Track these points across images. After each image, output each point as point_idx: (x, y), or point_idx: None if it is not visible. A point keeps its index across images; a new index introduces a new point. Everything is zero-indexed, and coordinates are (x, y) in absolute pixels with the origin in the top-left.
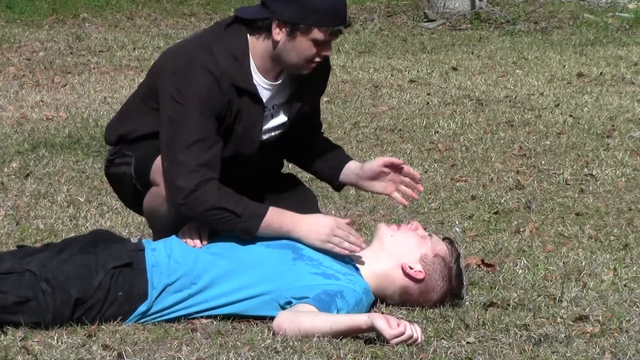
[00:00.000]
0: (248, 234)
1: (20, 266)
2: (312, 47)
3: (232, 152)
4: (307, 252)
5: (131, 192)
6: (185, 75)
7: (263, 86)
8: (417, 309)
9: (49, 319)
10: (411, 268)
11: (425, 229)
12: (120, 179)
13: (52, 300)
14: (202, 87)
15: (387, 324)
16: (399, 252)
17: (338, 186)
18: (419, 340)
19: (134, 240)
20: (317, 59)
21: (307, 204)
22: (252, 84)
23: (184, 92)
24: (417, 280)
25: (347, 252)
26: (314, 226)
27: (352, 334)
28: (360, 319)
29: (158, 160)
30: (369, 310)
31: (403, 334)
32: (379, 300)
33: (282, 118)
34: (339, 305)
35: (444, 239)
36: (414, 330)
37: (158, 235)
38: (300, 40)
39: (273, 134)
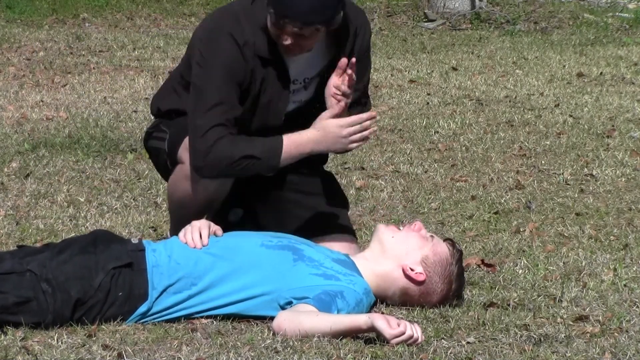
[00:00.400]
0: (274, 171)
1: (21, 266)
2: (275, 29)
3: (259, 125)
4: (307, 253)
5: (166, 167)
6: (211, 42)
7: (289, 58)
8: (417, 309)
9: (49, 319)
10: (412, 270)
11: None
12: (157, 154)
13: (52, 300)
14: (225, 54)
15: (387, 324)
16: (399, 254)
17: None
18: (419, 340)
19: (134, 240)
20: (283, 42)
21: (334, 213)
22: (276, 55)
23: (208, 58)
24: (418, 282)
25: (370, 134)
26: (330, 138)
27: (352, 334)
28: (360, 319)
29: (187, 139)
30: (369, 311)
31: (403, 333)
32: (379, 300)
33: (311, 92)
34: (339, 306)
35: (446, 239)
36: (414, 330)
37: (176, 225)
38: (269, 18)
39: (304, 108)
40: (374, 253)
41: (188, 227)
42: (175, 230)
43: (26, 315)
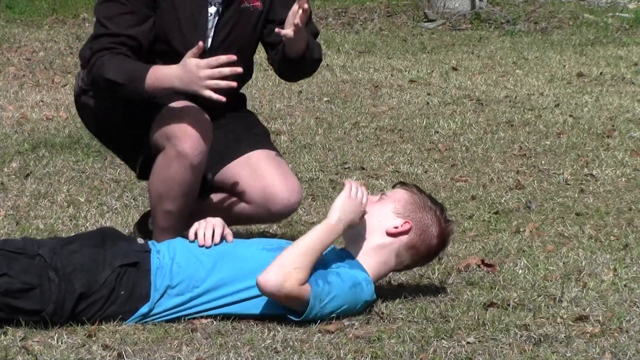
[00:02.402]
0: (143, 98)
1: (32, 248)
2: None
3: (180, 44)
4: (320, 270)
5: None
6: None
7: None
8: (417, 308)
9: (50, 308)
10: (395, 227)
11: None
12: (88, 110)
13: (56, 290)
14: None
15: (349, 196)
16: (374, 226)
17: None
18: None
19: (140, 241)
20: None
21: (256, 138)
22: None
23: None
24: (408, 231)
25: (226, 86)
26: (188, 77)
27: (332, 239)
28: (329, 222)
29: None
30: (368, 308)
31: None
32: (377, 301)
33: (232, 14)
34: (330, 279)
35: (395, 185)
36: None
37: (163, 220)
38: None
39: (233, 39)
40: (357, 243)
41: (202, 223)
42: (161, 229)
43: (28, 302)
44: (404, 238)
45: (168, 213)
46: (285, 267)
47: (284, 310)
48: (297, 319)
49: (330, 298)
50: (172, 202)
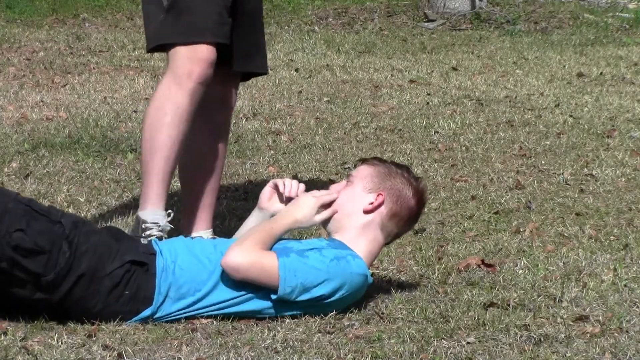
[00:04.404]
0: None
1: (56, 214)
2: None
3: None
4: (297, 248)
5: None
6: None
7: None
8: (417, 308)
9: (50, 277)
10: (370, 203)
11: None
12: None
13: (63, 263)
14: None
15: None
16: (351, 210)
17: None
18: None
19: (143, 241)
20: None
21: None
22: None
23: None
24: (383, 202)
25: None
26: None
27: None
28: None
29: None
30: (368, 308)
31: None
32: (378, 301)
33: None
34: (308, 254)
35: (356, 165)
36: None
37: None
38: None
39: None
40: (342, 231)
41: (285, 179)
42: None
43: (32, 263)
44: (383, 210)
45: (164, 160)
46: (238, 243)
47: (271, 301)
48: (275, 297)
49: (308, 271)
50: (167, 132)
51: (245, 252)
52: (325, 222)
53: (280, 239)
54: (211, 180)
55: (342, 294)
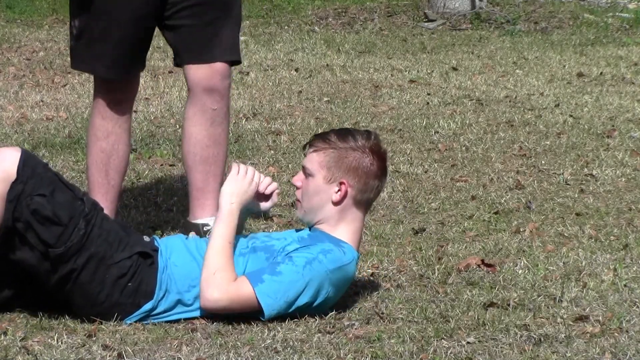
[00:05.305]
0: None
1: (79, 192)
2: None
3: None
4: (278, 246)
5: None
6: None
7: None
8: (417, 308)
9: (60, 250)
10: (337, 191)
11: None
12: None
13: (75, 239)
14: None
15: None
16: (320, 203)
17: None
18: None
19: (146, 238)
20: None
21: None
22: None
23: None
24: (348, 184)
25: None
26: None
27: (233, 224)
28: (221, 213)
29: None
30: (362, 301)
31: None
32: (377, 301)
33: None
34: (280, 269)
35: (304, 152)
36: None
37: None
38: None
39: None
40: (322, 224)
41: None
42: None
43: (46, 232)
44: (350, 191)
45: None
46: (208, 280)
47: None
48: (263, 319)
49: (287, 288)
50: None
51: (221, 291)
52: (305, 217)
53: (246, 232)
54: (213, 167)
55: (326, 293)
